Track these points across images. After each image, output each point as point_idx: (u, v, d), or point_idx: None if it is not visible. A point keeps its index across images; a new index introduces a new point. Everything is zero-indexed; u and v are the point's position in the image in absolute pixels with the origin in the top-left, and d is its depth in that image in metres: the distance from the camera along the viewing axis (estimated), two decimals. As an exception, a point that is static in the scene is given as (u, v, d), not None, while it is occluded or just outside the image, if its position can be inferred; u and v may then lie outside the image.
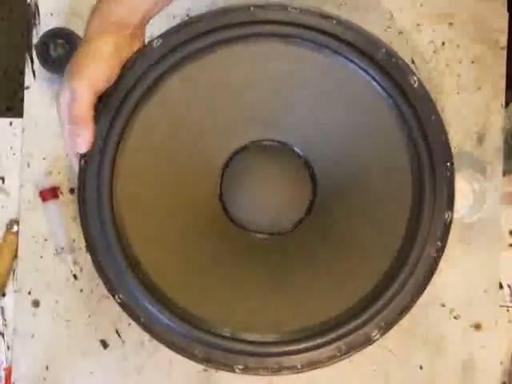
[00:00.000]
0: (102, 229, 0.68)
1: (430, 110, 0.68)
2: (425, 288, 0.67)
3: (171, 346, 0.68)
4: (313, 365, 0.67)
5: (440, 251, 0.67)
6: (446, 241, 0.67)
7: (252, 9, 0.69)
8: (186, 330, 0.67)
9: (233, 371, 0.67)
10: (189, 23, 0.69)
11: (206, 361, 0.67)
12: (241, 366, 0.67)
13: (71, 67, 0.61)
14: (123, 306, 0.68)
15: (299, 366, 0.67)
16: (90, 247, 0.68)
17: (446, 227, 0.67)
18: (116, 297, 0.68)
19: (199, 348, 0.67)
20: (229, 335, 0.68)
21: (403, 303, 0.67)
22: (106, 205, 0.68)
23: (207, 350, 0.67)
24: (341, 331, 0.66)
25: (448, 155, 0.68)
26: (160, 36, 0.69)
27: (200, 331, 0.67)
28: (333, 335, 0.66)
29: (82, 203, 0.69)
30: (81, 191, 0.69)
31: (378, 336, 0.66)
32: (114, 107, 0.68)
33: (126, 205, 0.69)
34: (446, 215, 0.67)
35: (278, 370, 0.67)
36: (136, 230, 0.69)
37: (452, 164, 0.68)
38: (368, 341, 0.67)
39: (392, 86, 0.68)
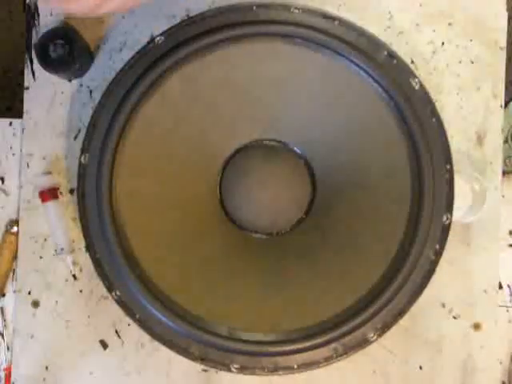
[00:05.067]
0: (101, 225, 0.68)
1: (430, 112, 0.68)
2: (422, 290, 0.67)
3: (167, 343, 0.68)
4: (309, 365, 0.67)
5: (438, 254, 0.67)
6: (445, 243, 0.67)
7: (255, 8, 0.69)
8: (182, 328, 0.67)
9: (229, 370, 0.67)
10: (191, 21, 0.69)
11: (202, 359, 0.67)
12: (237, 365, 0.67)
13: None
14: (120, 302, 0.68)
15: (295, 366, 0.67)
16: (89, 244, 0.69)
17: (445, 230, 0.67)
18: (113, 293, 0.68)
19: (195, 346, 0.68)
20: (225, 334, 0.68)
21: (400, 305, 0.67)
22: (106, 201, 0.68)
23: (203, 349, 0.67)
24: (338, 332, 0.66)
25: (448, 157, 0.68)
26: (162, 33, 0.69)
27: (196, 329, 0.67)
28: (329, 336, 0.66)
29: (81, 199, 0.69)
30: (80, 187, 0.69)
31: (374, 337, 0.67)
32: (115, 103, 0.68)
33: (126, 201, 0.70)
34: (445, 217, 0.67)
35: (274, 370, 0.67)
36: (135, 226, 0.70)
37: (451, 166, 0.68)
38: (365, 342, 0.67)
39: (393, 88, 0.68)
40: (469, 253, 0.82)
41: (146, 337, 0.71)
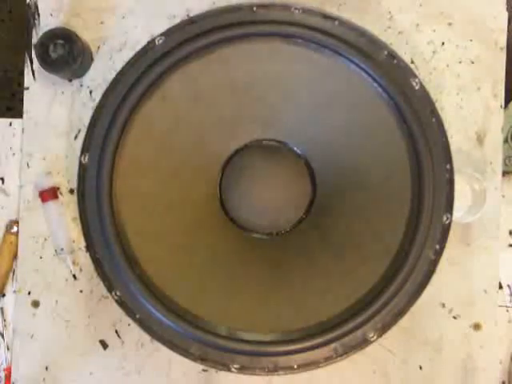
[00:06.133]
0: (101, 225, 0.68)
1: (430, 112, 0.68)
2: (423, 290, 0.67)
3: (167, 343, 0.68)
4: (309, 365, 0.67)
5: (438, 254, 0.67)
6: (445, 243, 0.67)
7: (255, 8, 0.69)
8: (182, 328, 0.67)
9: (229, 370, 0.67)
10: (191, 21, 0.69)
11: (202, 359, 0.67)
12: (237, 365, 0.67)
13: None
14: (120, 302, 0.68)
15: (295, 366, 0.67)
16: (89, 244, 0.69)
17: (445, 230, 0.67)
18: (113, 293, 0.68)
19: (195, 346, 0.67)
20: (225, 334, 0.68)
21: (400, 305, 0.67)
22: (106, 201, 0.68)
23: (203, 349, 0.67)
24: (338, 332, 0.66)
25: (448, 157, 0.68)
26: (162, 34, 0.69)
27: (196, 329, 0.67)
28: (329, 336, 0.66)
29: (81, 199, 0.69)
30: (80, 187, 0.69)
31: (374, 337, 0.67)
32: (115, 103, 0.68)
33: (126, 201, 0.70)
34: (445, 217, 0.67)
35: (274, 370, 0.67)
36: (135, 227, 0.70)
37: (452, 166, 0.68)
38: (365, 342, 0.67)
39: (393, 88, 0.68)
40: (469, 253, 0.82)
41: (145, 337, 0.71)
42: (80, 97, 0.83)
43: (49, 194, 0.82)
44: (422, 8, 0.83)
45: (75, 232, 0.82)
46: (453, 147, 0.69)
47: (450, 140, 0.68)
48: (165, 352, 0.70)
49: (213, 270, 0.73)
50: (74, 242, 0.82)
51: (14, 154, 0.84)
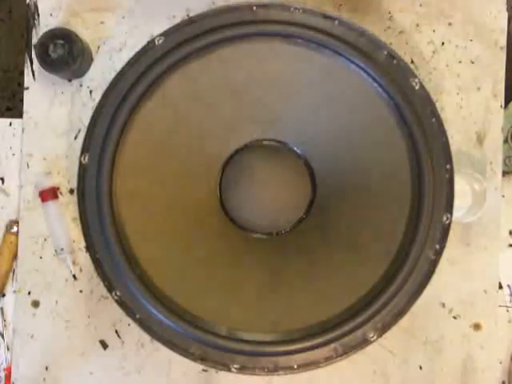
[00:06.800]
0: (101, 225, 0.68)
1: (430, 112, 0.68)
2: (423, 290, 0.67)
3: (167, 343, 0.68)
4: (309, 365, 0.67)
5: (438, 254, 0.67)
6: (445, 243, 0.67)
7: (255, 8, 0.69)
8: (182, 328, 0.67)
9: (229, 370, 0.67)
10: (191, 21, 0.69)
11: (202, 359, 0.67)
12: (237, 365, 0.67)
13: None
14: (120, 302, 0.68)
15: (295, 366, 0.67)
16: (89, 244, 0.69)
17: (445, 230, 0.67)
18: (113, 293, 0.68)
19: (195, 346, 0.67)
20: (225, 334, 0.68)
21: (400, 305, 0.67)
22: (106, 201, 0.68)
23: (203, 349, 0.67)
24: (337, 332, 0.66)
25: (448, 158, 0.68)
26: (162, 34, 0.69)
27: (196, 329, 0.67)
28: (329, 336, 0.66)
29: (81, 199, 0.69)
30: (80, 187, 0.69)
31: (374, 337, 0.67)
32: (115, 103, 0.68)
33: (126, 201, 0.70)
34: (445, 217, 0.67)
35: (274, 370, 0.67)
36: (135, 227, 0.70)
37: (452, 166, 0.68)
38: (365, 342, 0.67)
39: (393, 88, 0.68)
40: (469, 253, 0.82)
41: (145, 337, 0.72)
42: (80, 97, 0.83)
43: (49, 194, 0.82)
44: (422, 8, 0.83)
45: (75, 232, 0.82)
46: (453, 147, 0.69)
47: (450, 140, 0.68)
48: (165, 352, 0.70)
49: (213, 270, 0.73)
50: (74, 241, 0.82)
51: (13, 154, 0.84)
